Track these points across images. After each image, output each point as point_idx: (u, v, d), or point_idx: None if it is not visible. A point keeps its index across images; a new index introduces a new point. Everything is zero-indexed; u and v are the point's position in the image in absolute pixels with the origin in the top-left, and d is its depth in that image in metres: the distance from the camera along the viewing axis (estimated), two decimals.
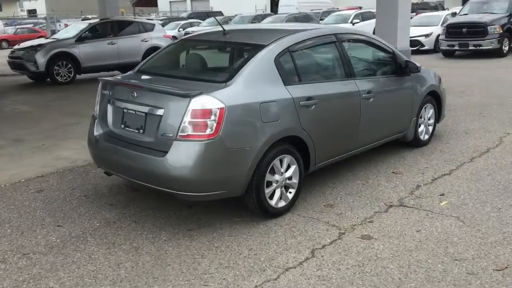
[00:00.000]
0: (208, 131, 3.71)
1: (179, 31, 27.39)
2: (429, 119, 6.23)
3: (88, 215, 4.41)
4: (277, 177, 4.19)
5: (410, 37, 18.22)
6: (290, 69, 4.36)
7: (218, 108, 3.72)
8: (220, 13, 37.53)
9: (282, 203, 4.28)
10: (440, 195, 4.67)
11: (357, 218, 4.24)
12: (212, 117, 3.71)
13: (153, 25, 14.98)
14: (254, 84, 4.03)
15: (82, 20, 28.09)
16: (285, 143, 4.18)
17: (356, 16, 21.72)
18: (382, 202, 4.56)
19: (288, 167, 4.29)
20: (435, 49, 18.38)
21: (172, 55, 5.04)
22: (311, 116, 4.36)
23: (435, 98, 6.21)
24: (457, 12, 19.14)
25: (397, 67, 5.53)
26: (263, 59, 4.16)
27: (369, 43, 5.39)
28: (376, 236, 3.90)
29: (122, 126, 4.23)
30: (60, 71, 12.93)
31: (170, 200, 4.59)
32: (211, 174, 3.79)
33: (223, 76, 4.12)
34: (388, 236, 3.89)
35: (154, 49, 14.39)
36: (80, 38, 13.25)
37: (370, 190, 4.84)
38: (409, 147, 6.13)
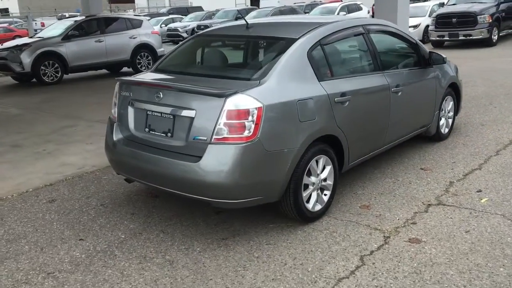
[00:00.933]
0: (245, 133, 3.44)
1: (161, 27, 26.89)
2: (448, 112, 6.04)
3: (110, 226, 4.09)
4: (313, 179, 3.94)
5: None
6: (322, 63, 4.10)
7: (255, 108, 3.45)
8: (200, 8, 37.01)
9: (318, 207, 4.03)
10: (477, 191, 4.47)
11: (398, 219, 4.02)
12: (250, 118, 3.43)
13: (141, 21, 14.53)
14: (289, 81, 3.76)
15: (59, 19, 27.41)
16: (321, 142, 3.93)
17: (342, 9, 21.58)
18: (419, 201, 4.35)
19: (323, 168, 4.04)
20: (423, 40, 18.31)
21: (192, 52, 4.74)
22: (345, 113, 4.12)
23: (454, 90, 6.03)
24: (445, 2, 19.11)
25: (420, 59, 5.32)
26: (296, 53, 3.89)
27: (394, 34, 5.16)
28: (424, 239, 3.68)
29: (146, 129, 3.92)
30: (46, 71, 12.44)
31: (194, 206, 4.31)
32: (249, 179, 3.51)
33: (255, 73, 3.83)
34: (438, 239, 3.67)
35: (143, 46, 14.06)
36: (67, 36, 12.76)
37: (403, 189, 4.62)
38: (429, 141, 5.94)
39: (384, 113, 4.65)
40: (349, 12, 21.72)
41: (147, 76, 4.35)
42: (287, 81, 3.75)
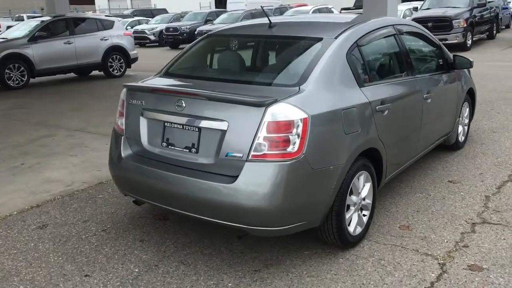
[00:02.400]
0: (289, 149, 2.92)
1: (126, 29, 25.91)
2: (465, 119, 5.71)
3: (118, 257, 3.49)
4: (354, 198, 3.47)
5: None
6: (360, 67, 3.63)
7: (300, 119, 2.94)
8: (164, 11, 36.13)
9: (358, 229, 3.56)
10: None
11: (447, 242, 3.60)
12: (294, 131, 2.93)
13: (112, 22, 13.73)
14: (331, 87, 3.28)
15: (17, 20, 26.04)
16: (362, 157, 3.45)
17: (314, 12, 21.27)
18: (461, 219, 3.94)
19: (363, 185, 3.57)
20: None
21: (206, 54, 4.18)
22: (385, 122, 3.68)
23: (470, 95, 5.69)
24: (419, 7, 19.13)
25: (444, 62, 4.94)
26: (335, 55, 3.41)
27: (420, 36, 4.75)
28: (486, 266, 3.26)
29: (163, 144, 3.35)
30: (11, 75, 11.52)
31: (211, 230, 3.77)
32: (293, 202, 3.00)
33: (291, 78, 3.33)
34: (501, 265, 3.26)
35: (115, 48, 13.30)
36: (33, 38, 11.87)
37: (439, 205, 4.21)
38: (447, 150, 5.58)
39: (417, 121, 4.24)
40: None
41: (158, 82, 3.77)
42: (328, 87, 3.26)
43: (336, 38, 3.53)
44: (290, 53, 3.72)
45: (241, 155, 2.98)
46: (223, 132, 3.05)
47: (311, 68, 3.29)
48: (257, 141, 2.94)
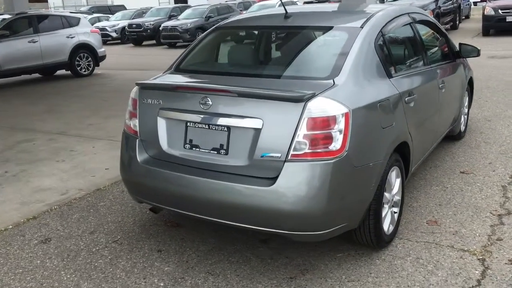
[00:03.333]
0: (332, 146, 2.72)
1: None
2: (465, 108, 5.65)
3: (137, 270, 3.20)
4: (387, 195, 3.31)
5: None
6: (387, 57, 3.47)
7: (342, 114, 2.74)
8: (122, 7, 35.22)
9: (391, 228, 3.40)
10: None
11: (479, 236, 3.49)
12: (336, 127, 2.72)
13: (78, 19, 13.14)
14: (364, 79, 3.10)
15: None
16: (394, 152, 3.29)
17: (279, 6, 21.08)
18: (486, 211, 3.84)
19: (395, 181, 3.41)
20: None
21: (219, 48, 3.90)
22: (412, 114, 3.54)
23: (469, 84, 5.64)
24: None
25: (450, 51, 4.85)
26: (365, 45, 3.22)
27: (430, 24, 4.62)
28: None
29: (187, 146, 3.08)
30: None
31: (229, 235, 3.54)
32: (337, 204, 2.81)
33: (321, 70, 3.12)
34: None
35: (82, 46, 12.76)
36: None
37: (460, 198, 4.10)
38: (450, 141, 5.51)
39: (434, 111, 4.13)
40: None
41: (171, 78, 3.48)
42: (362, 79, 3.07)
43: (362, 27, 3.34)
44: (315, 44, 3.51)
45: (279, 155, 2.75)
46: (257, 130, 2.81)
47: (342, 59, 3.09)
48: (296, 140, 2.72)
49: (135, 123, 3.31)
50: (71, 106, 8.74)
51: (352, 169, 2.81)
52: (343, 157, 2.74)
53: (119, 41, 24.88)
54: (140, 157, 3.24)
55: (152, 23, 22.48)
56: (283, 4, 3.72)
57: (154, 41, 22.75)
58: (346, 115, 2.75)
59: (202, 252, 3.40)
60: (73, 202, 4.35)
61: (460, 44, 4.90)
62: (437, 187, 4.35)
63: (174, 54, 18.84)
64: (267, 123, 2.78)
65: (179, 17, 22.07)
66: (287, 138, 2.74)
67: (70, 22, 12.84)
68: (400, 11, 3.97)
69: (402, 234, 3.55)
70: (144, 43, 23.47)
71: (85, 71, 12.92)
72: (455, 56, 4.90)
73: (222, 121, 2.93)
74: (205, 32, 3.89)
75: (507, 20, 16.05)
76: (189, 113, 3.05)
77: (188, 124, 3.07)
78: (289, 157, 2.74)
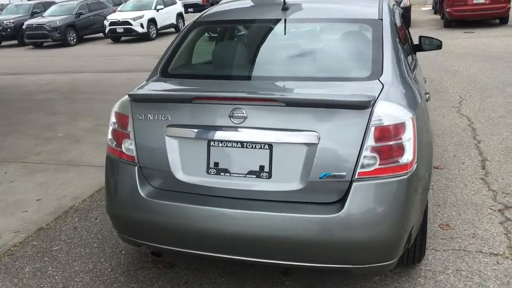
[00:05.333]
0: (404, 159, 2.31)
1: None
2: None
3: None
4: None
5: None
6: (402, 50, 3.13)
7: (409, 119, 2.34)
8: None
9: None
10: None
11: (497, 235, 3.37)
12: (406, 135, 2.31)
13: None
14: (403, 76, 2.75)
15: None
16: None
17: (158, 3, 20.13)
18: (485, 208, 3.76)
19: None
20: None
21: (212, 45, 3.23)
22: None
23: None
24: None
25: (411, 43, 4.72)
26: (393, 39, 2.86)
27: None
28: None
29: (212, 171, 2.44)
30: None
31: (241, 269, 2.96)
32: (409, 225, 2.41)
33: (359, 69, 2.70)
34: None
35: None
36: None
37: (452, 196, 3.98)
38: None
39: None
40: (165, 6, 20.40)
41: (163, 86, 2.78)
42: (402, 76, 2.72)
43: (381, 19, 2.96)
44: (335, 39, 3.05)
45: (343, 173, 2.27)
46: (312, 146, 2.29)
47: (377, 55, 2.69)
48: (364, 154, 2.26)
49: (129, 147, 2.57)
50: None
51: (419, 182, 2.44)
52: (414, 171, 2.34)
53: None
54: (143, 189, 2.52)
55: (12, 21, 20.03)
56: None
57: (16, 41, 20.29)
58: (412, 120, 2.36)
59: None
60: (14, 250, 3.38)
61: (421, 37, 4.78)
62: None
63: (43, 55, 17.04)
64: (325, 136, 2.28)
65: (44, 14, 19.94)
66: (352, 153, 2.27)
67: None
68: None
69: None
70: (4, 43, 20.86)
71: None
72: (417, 48, 4.76)
73: (261, 137, 2.35)
74: (185, 29, 3.21)
75: None
76: (213, 129, 2.41)
77: (212, 143, 2.43)
78: (356, 176, 2.27)
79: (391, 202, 2.29)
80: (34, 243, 3.47)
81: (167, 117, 2.49)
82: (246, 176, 2.40)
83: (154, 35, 19.13)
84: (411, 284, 2.86)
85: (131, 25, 18.33)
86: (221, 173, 2.43)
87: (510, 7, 14.65)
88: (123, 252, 3.25)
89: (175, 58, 3.03)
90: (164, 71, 2.94)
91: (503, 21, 15.12)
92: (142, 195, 2.50)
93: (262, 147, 2.36)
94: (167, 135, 2.48)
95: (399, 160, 2.30)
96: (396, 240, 2.33)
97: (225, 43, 3.21)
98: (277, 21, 3.04)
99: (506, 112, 6.14)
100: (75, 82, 10.27)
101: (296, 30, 3.13)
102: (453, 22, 15.40)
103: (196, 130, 2.45)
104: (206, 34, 3.32)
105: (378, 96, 2.37)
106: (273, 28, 3.04)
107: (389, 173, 2.28)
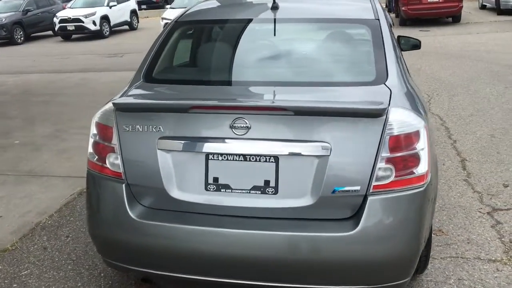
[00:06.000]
0: (419, 169, 2.17)
1: None
2: None
3: None
4: None
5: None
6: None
7: (423, 127, 2.20)
8: None
9: None
10: (505, 186, 4.04)
11: (492, 240, 3.32)
12: (420, 144, 2.17)
13: None
14: (408, 80, 2.61)
15: None
16: None
17: None
18: (473, 211, 3.71)
19: None
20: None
21: (201, 47, 2.98)
22: None
23: None
24: None
25: None
26: (393, 41, 2.73)
27: None
28: None
29: (211, 187, 2.21)
30: None
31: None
32: (424, 239, 2.27)
33: (362, 73, 2.55)
34: None
35: None
36: None
37: (441, 199, 3.89)
38: None
39: None
40: (118, 2, 19.72)
41: (151, 93, 2.52)
42: (407, 81, 2.57)
43: (377, 19, 2.81)
44: (333, 40, 2.85)
45: (357, 188, 2.10)
46: (323, 158, 2.10)
47: (380, 58, 2.54)
48: (379, 165, 2.09)
49: (114, 161, 2.30)
50: None
51: (431, 194, 2.30)
52: (428, 182, 2.20)
53: None
54: (132, 209, 2.26)
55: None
56: None
57: None
58: (425, 128, 2.21)
59: None
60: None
61: (399, 37, 4.68)
62: None
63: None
64: (337, 147, 2.10)
65: None
66: (367, 165, 2.10)
67: None
68: None
69: None
70: None
71: None
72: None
73: (266, 149, 2.15)
74: (166, 30, 2.93)
75: None
76: (212, 141, 2.18)
77: (211, 156, 2.20)
78: (370, 189, 2.10)
79: (409, 216, 2.14)
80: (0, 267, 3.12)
81: (159, 128, 2.23)
82: (249, 192, 2.19)
83: (107, 33, 18.48)
84: None
85: (83, 22, 17.63)
86: (222, 189, 2.21)
87: (462, 6, 15.04)
88: (102, 274, 2.96)
89: (160, 62, 2.76)
90: (148, 76, 2.66)
91: (456, 19, 15.51)
92: (132, 215, 2.25)
93: (268, 160, 2.16)
94: (159, 148, 2.23)
95: (415, 171, 2.15)
96: (414, 255, 2.19)
97: (215, 45, 2.97)
98: (269, 21, 2.83)
99: (476, 110, 6.19)
100: (27, 83, 9.69)
101: (290, 31, 2.93)
102: (408, 21, 15.67)
103: (192, 143, 2.21)
104: (191, 34, 3.06)
105: (389, 102, 2.21)
106: (265, 29, 2.83)
107: (406, 185, 2.13)
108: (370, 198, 2.10)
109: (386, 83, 2.40)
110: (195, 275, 2.26)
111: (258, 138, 2.15)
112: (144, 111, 2.27)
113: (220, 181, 2.21)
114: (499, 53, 10.14)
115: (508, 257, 3.09)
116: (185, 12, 3.11)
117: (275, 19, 2.80)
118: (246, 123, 2.13)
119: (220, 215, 2.21)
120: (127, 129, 2.28)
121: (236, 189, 2.20)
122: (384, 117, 2.10)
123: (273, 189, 2.17)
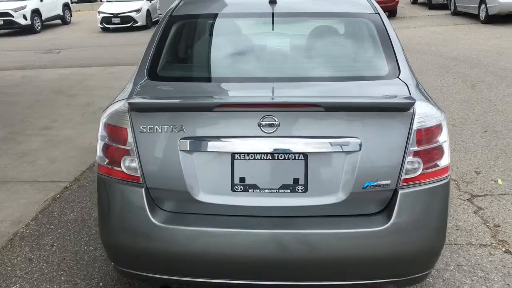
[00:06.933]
0: (442, 162, 2.21)
1: None
2: None
3: None
4: None
5: (122, 13, 16.85)
6: None
7: (444, 119, 2.25)
8: None
9: None
10: (494, 181, 4.17)
11: (478, 225, 3.49)
12: (442, 137, 2.21)
13: None
14: (413, 73, 2.64)
15: None
16: None
17: None
18: (456, 199, 3.86)
19: None
20: (147, 25, 17.46)
21: (201, 43, 2.84)
22: None
23: None
24: None
25: None
26: (396, 35, 2.75)
27: None
28: None
29: (238, 187, 2.14)
30: None
31: None
32: (446, 228, 2.32)
33: (375, 67, 2.55)
34: None
35: None
36: None
37: None
38: None
39: None
40: None
41: (165, 92, 2.40)
42: (413, 74, 2.60)
43: (377, 13, 2.82)
44: (338, 35, 2.83)
45: (387, 182, 2.11)
46: (354, 154, 2.09)
47: (389, 51, 2.56)
48: (407, 159, 2.11)
49: (131, 165, 2.16)
50: None
51: (450, 185, 2.35)
52: (449, 174, 2.25)
53: None
54: (154, 214, 2.14)
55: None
56: None
57: None
58: (445, 120, 2.26)
59: None
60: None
61: None
62: None
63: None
64: (367, 143, 2.09)
65: None
66: (396, 159, 2.11)
67: None
68: None
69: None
70: None
71: None
72: None
73: (295, 146, 2.10)
74: (162, 24, 2.79)
75: None
76: (238, 140, 2.10)
77: (237, 156, 2.12)
78: (400, 183, 2.12)
79: (436, 207, 2.19)
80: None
81: (181, 128, 2.12)
82: (278, 191, 2.13)
83: (39, 27, 17.55)
84: (422, 285, 2.80)
85: (12, 16, 16.62)
86: (249, 190, 2.14)
87: (398, 1, 15.62)
88: (100, 284, 2.79)
89: (162, 58, 2.61)
90: (153, 73, 2.52)
91: (392, 14, 16.09)
92: (154, 221, 2.12)
93: (297, 158, 2.11)
94: (181, 150, 2.12)
95: (439, 164, 2.19)
96: (441, 245, 2.24)
97: (220, 40, 2.84)
98: (267, 15, 2.76)
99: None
100: None
101: (296, 26, 2.89)
102: None
103: (216, 142, 2.12)
104: (189, 29, 2.93)
105: (413, 96, 2.23)
106: (268, 24, 2.76)
107: (432, 178, 2.17)
108: (400, 192, 2.12)
109: (399, 76, 2.42)
110: (223, 279, 2.18)
111: (287, 135, 2.10)
112: (165, 111, 2.14)
113: (247, 181, 2.14)
114: (439, 46, 10.63)
115: (497, 241, 3.24)
116: (177, 5, 2.98)
117: (270, 13, 2.74)
118: (275, 121, 2.07)
119: (248, 216, 2.14)
120: (145, 130, 2.15)
121: (264, 189, 2.14)
122: (411, 110, 2.12)
123: (302, 187, 2.13)
